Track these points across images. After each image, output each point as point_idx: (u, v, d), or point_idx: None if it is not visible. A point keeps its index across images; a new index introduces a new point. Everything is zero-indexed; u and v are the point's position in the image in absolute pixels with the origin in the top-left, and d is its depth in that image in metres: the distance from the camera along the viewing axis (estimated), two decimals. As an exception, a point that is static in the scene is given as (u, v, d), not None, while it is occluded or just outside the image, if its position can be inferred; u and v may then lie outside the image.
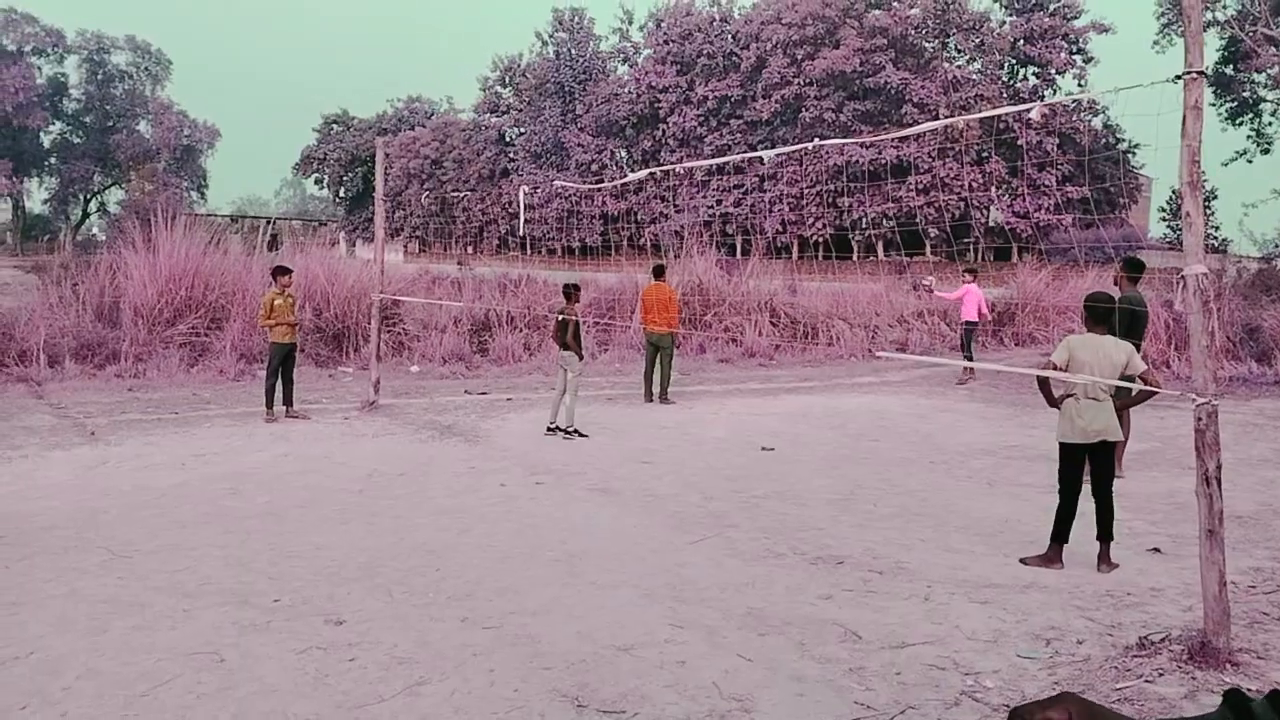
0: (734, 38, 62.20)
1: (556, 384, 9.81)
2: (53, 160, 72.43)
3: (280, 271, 10.62)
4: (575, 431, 9.41)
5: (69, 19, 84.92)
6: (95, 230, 75.05)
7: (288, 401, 10.23)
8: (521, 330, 16.76)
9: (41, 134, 71.29)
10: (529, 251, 65.88)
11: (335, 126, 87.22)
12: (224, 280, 14.71)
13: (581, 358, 9.95)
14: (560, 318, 9.73)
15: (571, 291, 10.00)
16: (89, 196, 74.98)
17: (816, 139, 10.39)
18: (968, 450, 9.16)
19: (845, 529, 6.29)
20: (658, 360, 12.00)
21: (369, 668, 4.04)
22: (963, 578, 5.31)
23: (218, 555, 5.53)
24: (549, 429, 9.51)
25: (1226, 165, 44.14)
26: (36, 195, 74.11)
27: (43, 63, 70.06)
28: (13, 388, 11.58)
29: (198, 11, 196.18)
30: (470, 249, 70.75)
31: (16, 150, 68.13)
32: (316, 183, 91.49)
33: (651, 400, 11.97)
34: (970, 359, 13.93)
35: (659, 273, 12.70)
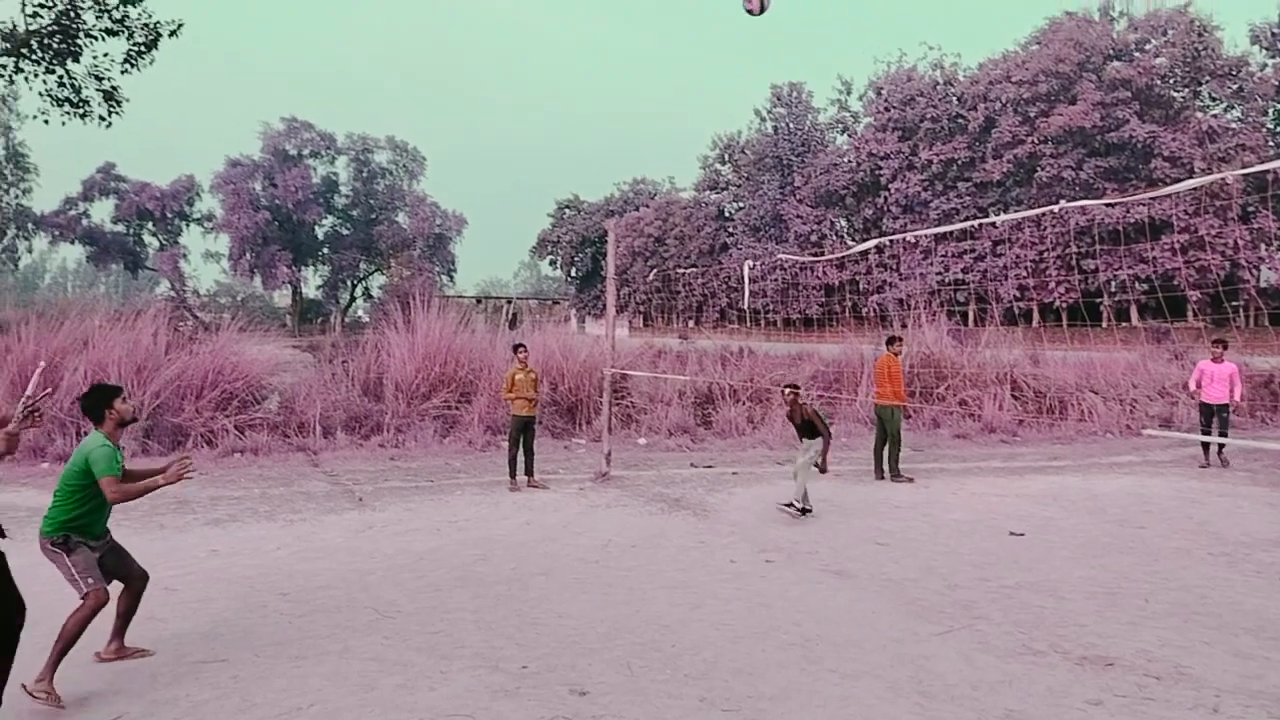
0: (959, 100, 60.59)
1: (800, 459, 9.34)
2: (325, 250, 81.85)
3: (518, 348, 11.34)
4: (803, 509, 9.11)
5: (339, 124, 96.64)
6: (360, 312, 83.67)
7: (529, 471, 10.79)
8: (744, 403, 16.79)
9: (316, 227, 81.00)
10: (749, 324, 66.32)
11: (568, 211, 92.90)
12: (471, 357, 15.84)
13: (827, 436, 9.32)
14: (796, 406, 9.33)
15: (796, 386, 9.68)
16: (355, 282, 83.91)
17: (1062, 200, 9.74)
18: (1253, 540, 8.11)
19: (1113, 626, 5.71)
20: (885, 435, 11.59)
21: (613, 742, 4.10)
22: (1257, 689, 4.67)
23: (470, 619, 5.85)
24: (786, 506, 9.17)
25: None
26: (312, 282, 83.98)
27: (317, 164, 80.00)
28: (293, 456, 12.94)
29: (449, 112, 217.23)
30: (691, 322, 72.24)
31: (296, 242, 77.77)
32: (550, 263, 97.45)
33: (882, 477, 11.54)
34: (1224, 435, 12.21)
35: (890, 343, 12.32)
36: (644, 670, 5.00)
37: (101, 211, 74.84)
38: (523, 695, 4.64)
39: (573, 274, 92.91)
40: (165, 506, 9.28)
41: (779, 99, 72.91)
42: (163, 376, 13.14)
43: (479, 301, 67.82)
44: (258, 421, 13.75)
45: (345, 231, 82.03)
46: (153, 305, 15.52)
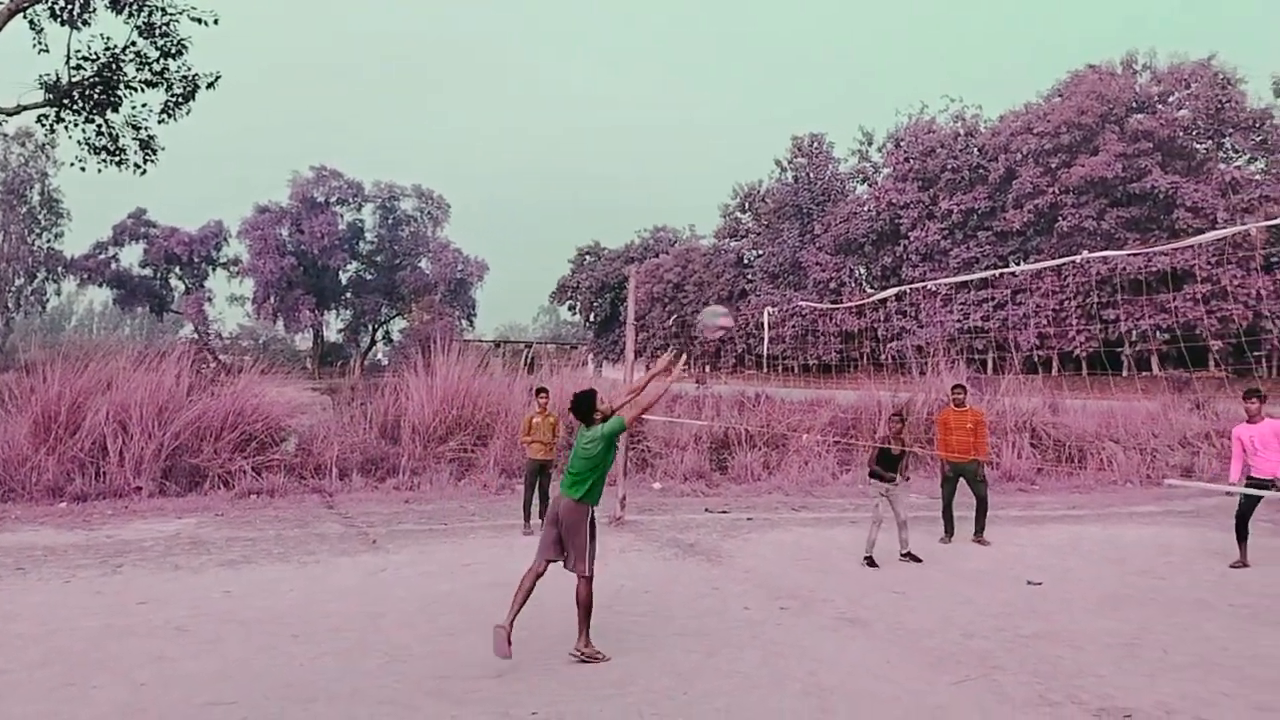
0: (980, 150, 61.03)
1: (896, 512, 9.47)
2: (348, 295, 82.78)
3: (540, 392, 11.39)
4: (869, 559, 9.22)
5: (368, 172, 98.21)
6: (380, 356, 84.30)
7: (542, 516, 10.76)
8: (760, 449, 16.72)
9: (340, 272, 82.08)
10: (766, 369, 66.16)
11: (588, 257, 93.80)
12: (489, 400, 15.89)
13: (904, 480, 9.63)
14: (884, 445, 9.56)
15: (906, 415, 9.80)
16: (376, 326, 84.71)
17: (1084, 251, 9.76)
18: (1276, 592, 7.96)
19: (1131, 678, 5.62)
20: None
21: (620, 789, 4.06)
22: (1284, 746, 4.56)
23: (482, 663, 5.83)
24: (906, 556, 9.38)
25: None
26: (334, 325, 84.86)
27: (344, 211, 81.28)
28: (309, 498, 12.97)
29: (472, 159, 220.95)
30: (707, 368, 72.27)
31: (319, 287, 78.80)
32: (569, 309, 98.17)
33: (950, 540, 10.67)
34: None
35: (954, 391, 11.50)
36: (656, 718, 4.96)
37: (131, 256, 76.52)
38: (531, 740, 4.61)
39: (591, 319, 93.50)
40: (180, 547, 9.34)
41: (799, 149, 73.68)
42: (183, 418, 13.27)
43: (497, 345, 68.22)
44: (275, 463, 13.82)
45: (369, 276, 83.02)
46: (176, 347, 15.64)
